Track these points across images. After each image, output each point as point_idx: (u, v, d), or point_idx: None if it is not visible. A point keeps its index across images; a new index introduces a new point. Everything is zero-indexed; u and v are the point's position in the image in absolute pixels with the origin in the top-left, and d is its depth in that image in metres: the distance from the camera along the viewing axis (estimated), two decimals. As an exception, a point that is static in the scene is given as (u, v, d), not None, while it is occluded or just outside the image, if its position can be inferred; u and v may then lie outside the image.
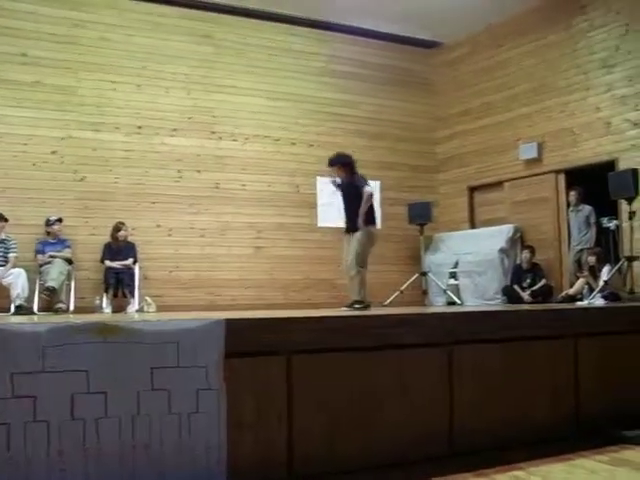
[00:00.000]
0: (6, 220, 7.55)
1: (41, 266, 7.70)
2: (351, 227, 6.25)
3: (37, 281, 7.65)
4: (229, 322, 2.86)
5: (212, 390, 2.76)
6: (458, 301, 9.11)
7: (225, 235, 8.96)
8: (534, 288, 8.59)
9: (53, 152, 8.12)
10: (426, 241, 9.74)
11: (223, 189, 9.00)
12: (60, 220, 7.91)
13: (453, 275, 9.50)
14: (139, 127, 8.60)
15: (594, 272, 7.75)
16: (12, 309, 7.27)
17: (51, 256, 7.72)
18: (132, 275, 8.09)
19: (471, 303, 9.06)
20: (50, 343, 2.54)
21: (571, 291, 8.03)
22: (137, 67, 8.64)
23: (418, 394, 3.35)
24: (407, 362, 3.35)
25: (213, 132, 9.03)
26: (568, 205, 8.67)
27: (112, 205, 8.32)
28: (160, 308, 8.06)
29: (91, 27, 8.44)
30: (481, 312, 4.12)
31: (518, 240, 9.26)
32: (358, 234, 6.15)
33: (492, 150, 9.74)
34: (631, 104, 8.05)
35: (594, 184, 7.98)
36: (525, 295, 8.56)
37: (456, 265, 9.54)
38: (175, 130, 8.81)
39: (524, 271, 8.82)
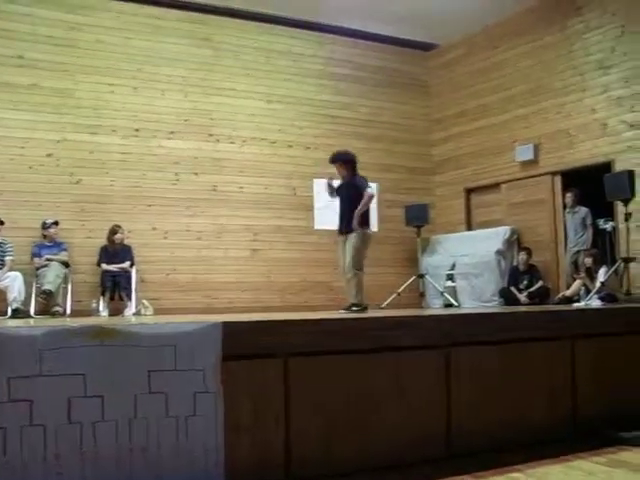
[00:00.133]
0: (2, 223, 7.53)
1: (37, 269, 7.68)
2: (345, 228, 6.16)
3: (34, 284, 7.62)
4: (226, 325, 2.86)
5: (209, 393, 2.76)
6: (455, 303, 9.10)
7: (222, 238, 8.95)
8: (531, 290, 8.59)
9: (49, 155, 8.10)
10: (423, 243, 9.74)
11: (220, 192, 8.99)
12: (56, 223, 7.88)
13: (450, 277, 9.50)
14: (136, 130, 8.59)
15: (591, 274, 7.74)
16: (9, 312, 7.27)
17: (47, 259, 7.70)
18: (129, 278, 8.07)
19: (468, 305, 9.07)
20: (47, 346, 2.54)
21: (568, 293, 8.03)
22: (134, 70, 8.63)
23: (415, 396, 3.36)
24: (404, 364, 3.36)
25: (210, 135, 9.03)
26: (564, 207, 8.66)
27: (108, 208, 8.30)
28: (157, 311, 8.05)
29: (88, 30, 8.42)
30: (478, 314, 4.13)
31: (515, 242, 9.26)
32: (353, 237, 6.07)
33: (488, 152, 9.74)
34: (627, 105, 8.05)
35: (590, 186, 7.99)
36: (522, 297, 8.55)
37: (453, 267, 9.55)
38: (172, 133, 8.80)
39: (521, 273, 8.82)
